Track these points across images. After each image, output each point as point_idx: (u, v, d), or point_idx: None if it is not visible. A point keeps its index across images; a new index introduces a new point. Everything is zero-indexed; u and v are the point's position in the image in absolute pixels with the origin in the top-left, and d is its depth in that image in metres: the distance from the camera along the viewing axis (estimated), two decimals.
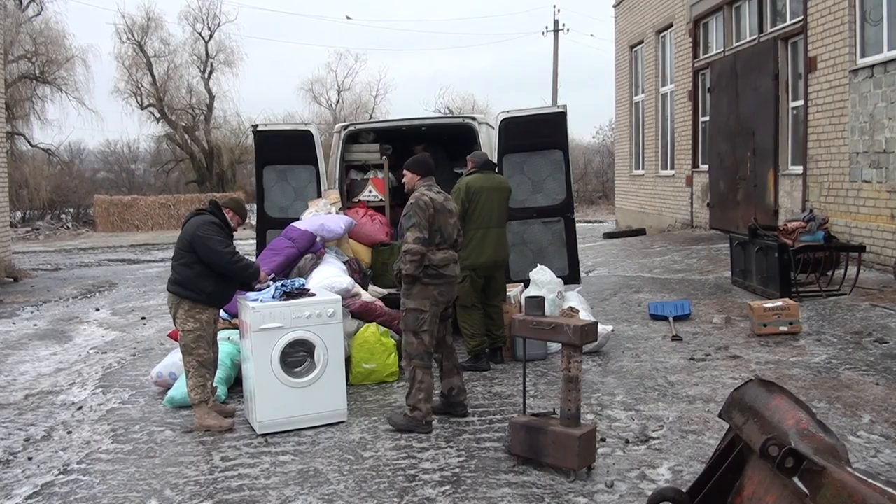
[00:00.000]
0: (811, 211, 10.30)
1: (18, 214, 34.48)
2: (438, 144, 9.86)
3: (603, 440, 5.34)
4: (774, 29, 13.53)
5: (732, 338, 7.89)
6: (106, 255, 24.24)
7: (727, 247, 11.27)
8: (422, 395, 5.82)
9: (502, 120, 8.73)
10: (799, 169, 12.54)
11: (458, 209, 6.28)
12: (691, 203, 17.71)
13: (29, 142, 37.00)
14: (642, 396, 6.29)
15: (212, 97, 42.81)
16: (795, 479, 2.43)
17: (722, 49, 15.89)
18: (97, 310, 12.27)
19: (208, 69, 42.59)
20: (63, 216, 37.22)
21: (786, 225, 9.48)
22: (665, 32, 19.56)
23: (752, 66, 14.04)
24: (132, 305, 12.62)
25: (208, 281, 6.04)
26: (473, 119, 9.23)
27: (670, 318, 8.69)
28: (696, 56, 17.32)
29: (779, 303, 7.99)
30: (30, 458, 5.62)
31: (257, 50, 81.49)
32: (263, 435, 5.85)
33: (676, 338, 8.01)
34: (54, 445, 5.90)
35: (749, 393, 2.88)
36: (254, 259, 7.82)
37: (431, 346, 5.91)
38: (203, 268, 6.01)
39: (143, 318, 11.26)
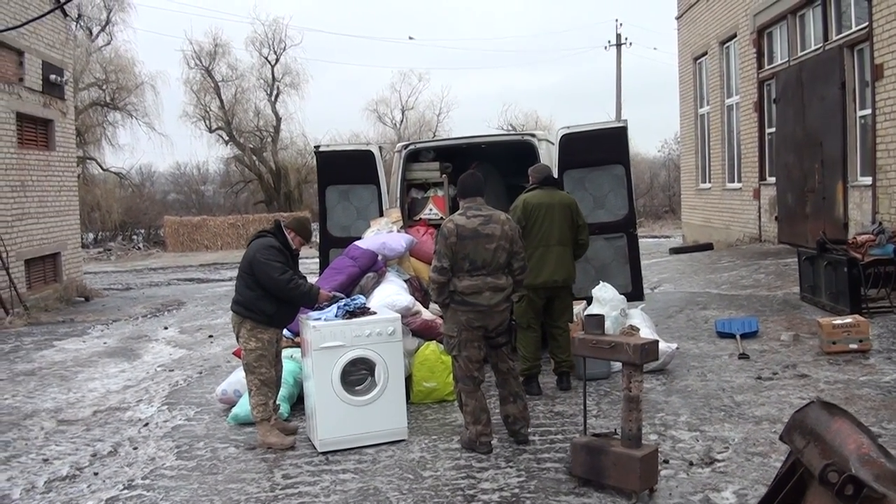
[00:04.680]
0: (880, 224, 9.98)
1: (91, 236, 35.54)
2: (490, 162, 9.82)
3: (666, 461, 5.23)
4: (840, 36, 13.20)
5: (801, 356, 7.69)
6: (175, 274, 24.81)
7: (796, 261, 10.99)
8: (468, 417, 5.83)
9: (562, 136, 8.70)
10: (868, 180, 12.17)
11: (507, 231, 5.91)
12: (759, 217, 17.34)
13: (101, 166, 38.36)
14: (707, 417, 6.15)
15: (278, 119, 43.67)
16: None
17: (787, 58, 15.57)
18: (165, 328, 12.55)
19: (275, 92, 43.49)
20: (134, 237, 38.24)
21: (855, 238, 9.22)
22: (729, 43, 19.26)
23: (818, 75, 13.71)
24: (200, 324, 12.87)
25: (269, 303, 6.13)
26: (533, 136, 9.22)
27: (737, 336, 8.49)
28: (760, 66, 17.01)
29: (848, 319, 7.75)
30: (96, 474, 5.76)
31: (322, 72, 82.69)
32: (324, 453, 5.88)
33: (743, 356, 7.82)
34: (120, 461, 6.04)
35: (810, 415, 2.80)
36: (316, 278, 7.93)
37: (473, 371, 5.83)
38: (263, 290, 6.11)
39: (210, 336, 11.47)
